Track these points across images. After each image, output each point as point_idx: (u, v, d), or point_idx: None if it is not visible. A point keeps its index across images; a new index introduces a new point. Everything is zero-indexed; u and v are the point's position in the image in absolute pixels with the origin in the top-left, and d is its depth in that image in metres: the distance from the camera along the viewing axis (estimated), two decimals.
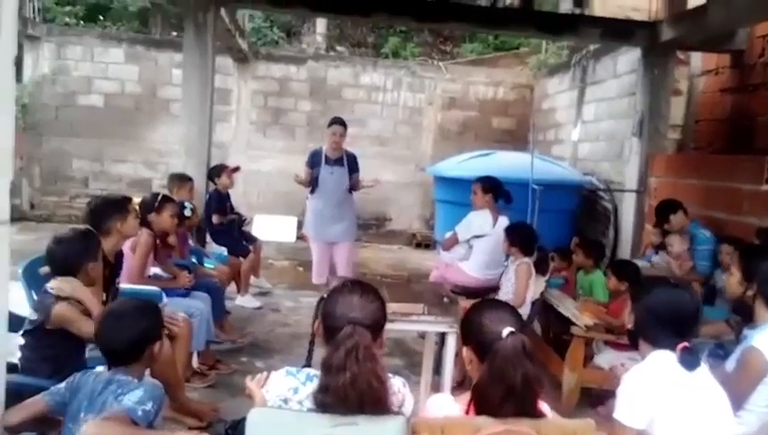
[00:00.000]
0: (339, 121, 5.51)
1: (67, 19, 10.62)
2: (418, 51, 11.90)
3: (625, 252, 6.36)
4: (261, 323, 5.25)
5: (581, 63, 8.37)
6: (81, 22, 10.79)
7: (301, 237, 9.52)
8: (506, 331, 1.59)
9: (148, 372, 2.30)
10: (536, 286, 4.11)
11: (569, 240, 6.06)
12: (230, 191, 6.16)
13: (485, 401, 1.58)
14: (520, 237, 4.10)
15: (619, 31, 6.43)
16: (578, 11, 9.06)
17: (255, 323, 5.24)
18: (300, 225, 9.62)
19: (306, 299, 6.08)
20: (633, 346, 2.17)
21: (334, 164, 5.44)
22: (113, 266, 3.11)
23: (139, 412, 1.83)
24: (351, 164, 5.53)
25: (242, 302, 5.61)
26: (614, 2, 8.84)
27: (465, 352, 1.72)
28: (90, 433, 1.71)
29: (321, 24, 11.62)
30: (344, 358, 1.55)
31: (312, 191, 5.55)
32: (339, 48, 11.83)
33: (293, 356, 4.48)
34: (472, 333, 1.70)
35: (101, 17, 11.13)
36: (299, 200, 9.89)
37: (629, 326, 2.08)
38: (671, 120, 6.34)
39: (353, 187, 5.55)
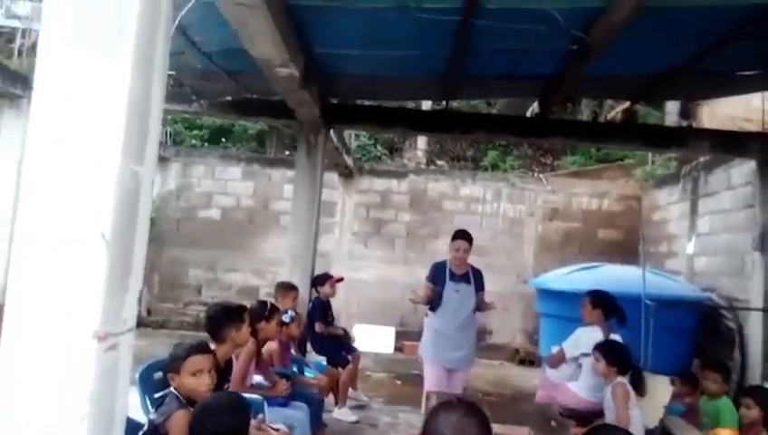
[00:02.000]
0: (463, 236, 4.94)
1: (194, 141, 11.78)
2: (518, 163, 12.03)
3: (754, 376, 5.75)
4: None
5: (692, 174, 8.08)
6: (206, 144, 11.91)
7: (399, 349, 9.45)
8: None
9: None
10: (653, 412, 3.77)
11: (687, 362, 5.60)
12: (331, 300, 6.30)
13: None
14: (616, 357, 3.85)
15: (730, 143, 6.23)
16: (685, 123, 8.92)
17: None
18: (397, 335, 9.64)
19: (404, 415, 5.91)
20: None
21: (460, 281, 4.90)
22: (223, 373, 3.21)
23: None
24: (478, 281, 4.97)
25: (339, 415, 5.53)
26: (724, 113, 8.64)
27: None
28: None
29: (421, 140, 12.14)
30: None
31: (433, 308, 4.96)
32: (439, 162, 12.21)
33: None
34: None
35: (224, 139, 12.25)
36: (397, 310, 9.98)
37: None
38: None
39: (479, 307, 4.98)
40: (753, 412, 3.51)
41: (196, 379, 2.61)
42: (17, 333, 1.67)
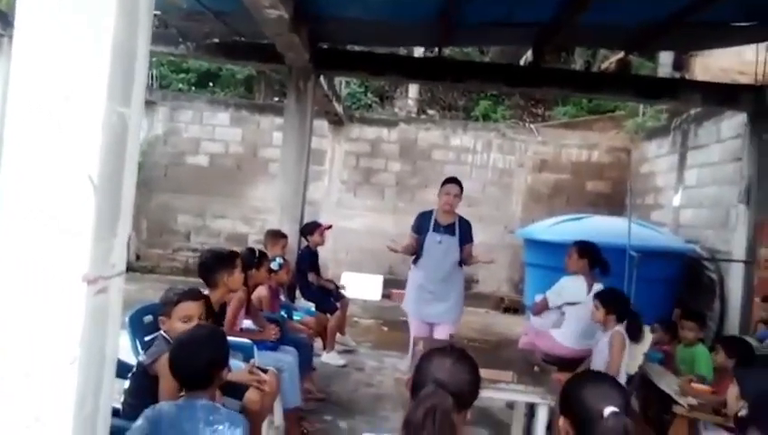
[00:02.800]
0: (454, 180, 4.65)
1: (180, 85, 11.56)
2: (509, 113, 11.96)
3: (732, 326, 5.91)
4: (345, 382, 5.24)
5: (682, 127, 8.08)
6: (193, 88, 11.70)
7: (386, 296, 9.59)
8: (608, 410, 1.50)
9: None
10: (632, 358, 3.87)
11: (669, 311, 5.73)
12: (319, 249, 6.35)
13: None
14: (616, 305, 3.86)
15: (722, 95, 6.21)
16: (677, 75, 8.87)
17: (340, 381, 5.25)
18: (385, 283, 9.76)
19: (390, 359, 6.06)
20: (741, 431, 1.99)
21: (444, 232, 4.61)
22: (217, 317, 3.25)
23: None
24: (464, 233, 4.65)
25: (327, 359, 5.65)
26: (717, 65, 8.59)
27: (562, 422, 1.64)
28: None
29: (413, 89, 11.99)
30: (422, 418, 1.50)
31: (415, 261, 4.76)
32: (430, 111, 12.11)
33: (377, 418, 4.45)
34: (570, 405, 1.62)
35: (211, 84, 12.03)
36: (386, 259, 10.06)
37: (740, 412, 1.91)
38: None
39: (464, 260, 4.67)
40: (721, 358, 3.64)
41: (185, 324, 2.63)
42: (6, 277, 1.67)
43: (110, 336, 1.87)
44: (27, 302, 1.66)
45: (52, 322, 1.66)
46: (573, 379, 1.72)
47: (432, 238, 4.61)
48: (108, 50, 1.67)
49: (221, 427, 2.00)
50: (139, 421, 2.05)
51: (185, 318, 2.66)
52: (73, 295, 1.67)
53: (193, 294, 2.78)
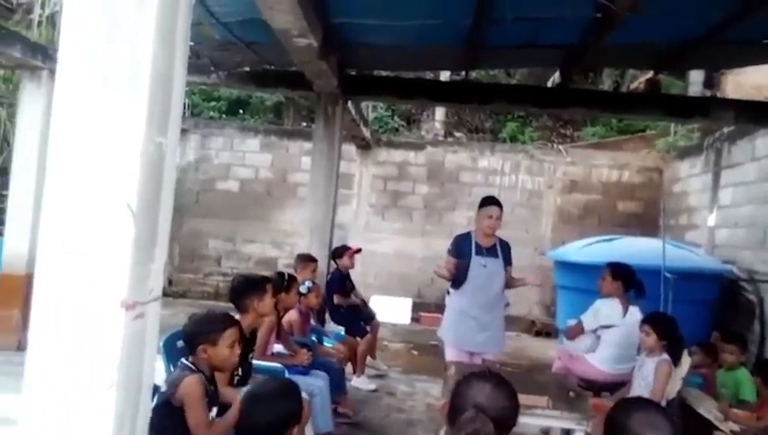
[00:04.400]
0: (495, 201, 4.44)
1: (211, 113, 11.80)
2: (537, 135, 11.90)
3: None
4: (376, 407, 5.20)
5: (715, 146, 7.94)
6: (224, 115, 11.93)
7: (416, 319, 9.53)
8: None
9: None
10: (672, 384, 3.77)
11: (707, 334, 5.58)
12: (349, 271, 6.36)
13: None
14: (669, 331, 3.74)
15: (755, 113, 6.10)
16: (708, 93, 8.75)
17: (371, 405, 5.21)
18: (414, 307, 9.71)
19: (421, 384, 6.00)
20: None
21: (488, 254, 4.40)
22: (248, 342, 3.27)
23: None
24: (506, 255, 4.50)
25: (358, 383, 5.62)
26: (749, 83, 8.46)
27: None
28: None
29: (439, 111, 12.04)
30: None
31: (457, 286, 4.48)
32: (457, 134, 12.13)
33: None
34: (616, 434, 1.58)
35: (241, 111, 12.26)
36: (414, 282, 10.04)
37: None
38: None
39: (509, 283, 4.52)
40: (762, 388, 3.51)
41: (232, 350, 2.59)
42: (46, 303, 1.71)
43: (147, 361, 1.89)
44: (66, 327, 1.70)
45: (90, 347, 1.69)
46: (620, 406, 1.67)
47: (477, 262, 4.37)
48: (146, 80, 1.72)
49: None
50: None
51: (232, 344, 2.60)
52: (112, 321, 1.69)
53: (234, 319, 2.74)
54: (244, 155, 10.43)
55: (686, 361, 3.85)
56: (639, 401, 1.81)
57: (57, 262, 1.71)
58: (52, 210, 1.73)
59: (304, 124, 11.57)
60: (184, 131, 10.20)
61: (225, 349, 2.57)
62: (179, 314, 2.74)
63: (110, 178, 1.70)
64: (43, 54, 6.03)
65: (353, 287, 6.32)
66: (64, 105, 1.74)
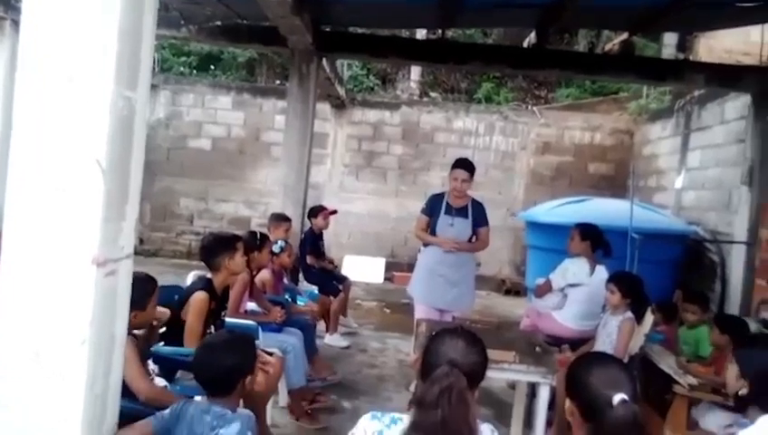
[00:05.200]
0: (462, 164, 4.53)
1: (182, 69, 11.51)
2: (512, 96, 11.90)
3: (733, 308, 5.94)
4: (348, 363, 5.30)
5: (686, 109, 8.05)
6: (195, 71, 11.65)
7: (389, 279, 9.64)
8: (617, 398, 1.49)
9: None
10: (635, 340, 3.91)
11: (670, 293, 5.77)
12: (323, 232, 6.39)
13: None
14: (634, 290, 3.85)
15: (726, 76, 6.18)
16: (682, 56, 8.81)
17: (343, 362, 5.30)
18: (387, 266, 9.80)
19: (392, 341, 6.11)
20: (739, 409, 2.01)
21: (456, 214, 4.52)
22: (220, 300, 3.29)
23: None
24: (478, 216, 4.57)
25: (330, 341, 5.70)
26: (721, 47, 8.52)
27: (568, 404, 1.65)
28: None
29: (415, 71, 11.93)
30: (437, 397, 1.53)
31: (426, 244, 4.69)
32: (432, 94, 12.06)
33: (380, 398, 4.50)
34: (578, 389, 1.61)
35: (213, 67, 11.97)
36: (388, 242, 10.11)
37: (741, 390, 1.93)
38: None
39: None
40: (716, 336, 3.70)
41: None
42: (17, 260, 1.70)
43: (119, 318, 1.90)
44: (38, 284, 1.69)
45: (62, 303, 1.69)
46: (581, 362, 1.71)
47: (444, 221, 4.49)
48: (114, 32, 1.68)
49: (222, 430, 1.95)
50: (166, 412, 2.05)
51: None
52: (83, 278, 1.70)
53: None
54: (216, 112, 10.25)
55: (648, 318, 3.98)
56: (600, 357, 1.85)
57: (26, 219, 1.70)
58: (18, 167, 1.70)
59: (278, 82, 11.37)
60: (154, 87, 9.96)
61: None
62: (151, 272, 2.72)
63: (79, 134, 1.68)
64: (5, 4, 5.79)
65: (323, 251, 6.35)
66: (29, 59, 1.69)
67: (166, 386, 2.68)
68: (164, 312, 2.87)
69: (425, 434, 1.53)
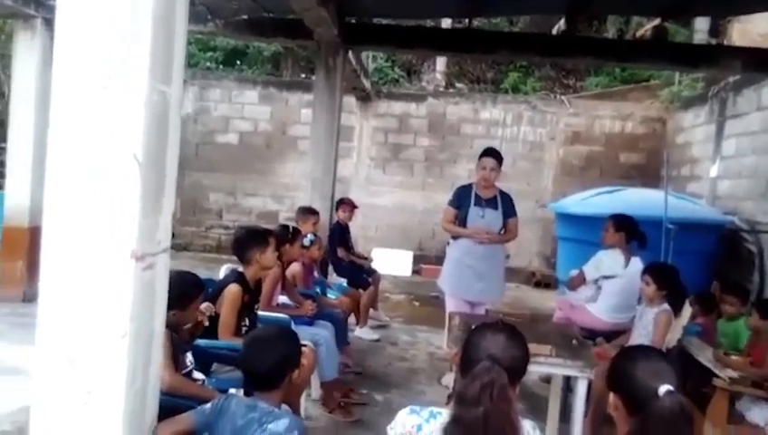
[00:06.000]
0: (490, 153, 4.48)
1: (209, 64, 11.60)
2: (540, 85, 11.74)
3: None
4: (379, 356, 5.30)
5: (720, 96, 7.84)
6: (221, 66, 11.73)
7: (417, 271, 9.60)
8: (663, 389, 1.47)
9: None
10: (672, 333, 3.82)
11: (707, 285, 5.63)
12: (350, 224, 6.40)
13: None
14: (669, 281, 3.76)
15: (762, 60, 5.99)
16: (714, 41, 8.58)
17: (374, 355, 5.30)
18: (415, 259, 9.77)
19: (422, 334, 6.10)
20: None
21: (486, 205, 4.47)
22: (253, 294, 3.30)
23: None
24: (507, 207, 4.54)
25: (361, 333, 5.71)
26: (756, 31, 8.28)
27: (612, 398, 1.63)
28: None
29: (440, 62, 11.83)
30: (479, 392, 1.51)
31: (455, 237, 4.63)
32: (458, 85, 11.95)
33: (412, 392, 4.49)
34: (621, 382, 1.60)
35: (239, 62, 12.04)
36: (415, 235, 10.07)
37: None
38: None
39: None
40: (755, 320, 3.59)
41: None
42: (57, 256, 1.71)
43: (157, 311, 1.91)
44: (77, 279, 1.70)
45: (102, 298, 1.70)
46: (624, 355, 1.69)
47: (475, 212, 4.44)
48: (148, 27, 1.67)
49: (271, 425, 1.91)
50: (208, 406, 2.04)
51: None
52: (122, 272, 1.70)
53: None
54: (243, 107, 10.31)
55: (686, 310, 3.89)
56: (643, 349, 1.82)
57: (65, 215, 1.70)
58: (57, 163, 1.70)
59: (303, 76, 11.38)
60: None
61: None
62: (182, 266, 2.76)
63: (116, 129, 1.68)
64: (35, 3, 5.87)
65: (352, 244, 6.37)
66: (65, 55, 1.69)
67: (203, 380, 2.69)
68: (208, 307, 2.88)
69: (466, 430, 1.51)
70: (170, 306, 2.52)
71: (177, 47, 1.86)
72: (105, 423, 1.71)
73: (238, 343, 2.60)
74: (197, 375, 2.66)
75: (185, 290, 2.60)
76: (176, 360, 2.50)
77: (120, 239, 1.69)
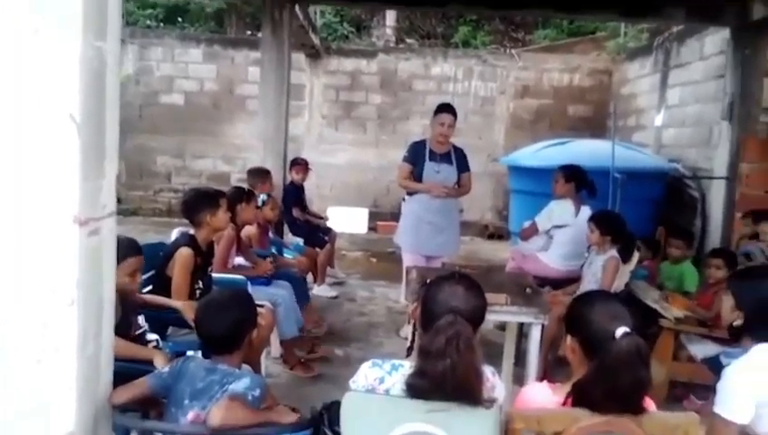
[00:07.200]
0: (447, 108, 4.49)
1: (148, 22, 11.10)
2: (489, 39, 11.71)
3: (713, 243, 6.03)
4: (338, 313, 5.33)
5: (664, 46, 7.98)
6: (161, 24, 11.24)
7: (372, 228, 9.63)
8: (620, 331, 1.52)
9: None
10: (620, 278, 3.97)
11: (653, 230, 5.84)
12: (304, 184, 6.33)
13: (587, 397, 1.54)
14: (613, 227, 3.90)
15: (705, 10, 6.09)
16: None
17: (332, 311, 5.33)
18: (371, 216, 9.78)
19: (380, 289, 6.16)
20: (734, 340, 2.06)
21: (441, 160, 4.50)
22: (205, 256, 3.25)
23: (250, 397, 1.89)
24: (461, 161, 4.59)
25: (319, 291, 5.72)
26: None
27: (569, 341, 1.68)
28: (217, 416, 1.77)
29: (390, 16, 11.64)
30: (444, 345, 1.53)
31: (411, 193, 4.64)
32: (408, 40, 11.81)
33: (371, 344, 4.56)
34: (578, 325, 1.65)
35: (180, 19, 11.56)
36: (370, 192, 10.06)
37: (735, 321, 1.96)
38: (764, 102, 5.94)
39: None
40: (721, 272, 3.72)
41: (132, 280, 2.56)
42: None
43: (105, 277, 1.85)
44: (20, 246, 1.63)
45: (47, 265, 1.64)
46: (580, 300, 1.74)
47: (430, 168, 4.48)
48: None
49: (231, 386, 1.91)
50: (165, 369, 2.03)
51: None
52: (66, 238, 1.64)
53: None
54: (187, 66, 9.94)
55: (634, 256, 4.03)
56: (601, 294, 1.89)
57: (2, 181, 1.61)
58: None
59: (249, 33, 11.03)
60: (120, 42, 9.60)
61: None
62: (131, 231, 2.68)
63: (50, 88, 1.59)
64: None
65: (306, 204, 6.33)
66: None
67: (157, 340, 2.65)
68: None
69: (432, 382, 1.54)
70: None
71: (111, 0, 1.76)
72: (58, 391, 1.67)
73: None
74: (151, 337, 2.62)
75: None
76: (125, 322, 2.45)
77: (62, 204, 1.62)
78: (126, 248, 2.52)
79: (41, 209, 1.62)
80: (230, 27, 11.49)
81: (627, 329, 1.52)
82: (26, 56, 1.58)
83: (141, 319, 2.65)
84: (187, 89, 9.98)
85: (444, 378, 1.52)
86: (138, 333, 2.59)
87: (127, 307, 2.50)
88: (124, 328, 2.44)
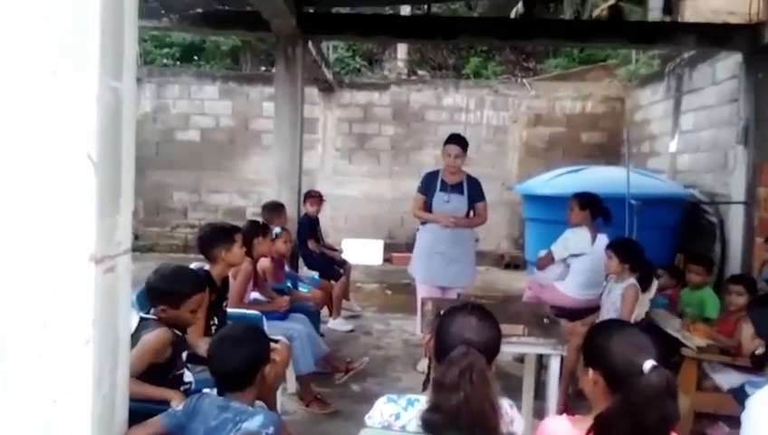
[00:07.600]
0: (455, 140, 4.53)
1: (165, 60, 11.34)
2: (501, 69, 11.80)
3: (734, 269, 5.94)
4: (354, 346, 5.28)
5: (676, 72, 7.99)
6: (178, 62, 11.48)
7: (388, 260, 9.61)
8: (648, 364, 1.45)
9: None
10: (640, 307, 3.90)
11: (671, 257, 5.76)
12: (319, 216, 6.35)
13: (611, 433, 1.47)
14: (631, 255, 3.84)
15: (716, 36, 6.12)
16: (668, 19, 8.73)
17: (348, 345, 5.29)
18: (385, 247, 9.76)
19: (396, 322, 6.11)
20: (757, 369, 2.00)
21: (452, 191, 4.54)
22: (220, 292, 3.25)
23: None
24: (474, 191, 4.59)
25: (334, 325, 5.69)
26: (707, 7, 8.44)
27: (591, 374, 1.61)
28: None
29: (402, 49, 11.80)
30: (458, 377, 1.50)
31: (424, 222, 4.71)
32: (420, 72, 11.94)
33: (388, 379, 4.50)
34: (600, 359, 1.58)
35: (196, 57, 11.81)
36: (385, 223, 10.07)
37: (757, 350, 1.91)
38: None
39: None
40: (742, 299, 3.64)
41: (193, 315, 2.54)
42: (13, 263, 1.64)
43: (121, 315, 1.85)
44: (36, 285, 1.64)
45: (62, 303, 1.64)
46: (598, 330, 1.68)
47: (440, 198, 4.53)
48: (96, 20, 1.61)
49: (245, 424, 1.88)
50: (179, 408, 2.00)
51: (194, 310, 2.54)
52: (82, 276, 1.64)
53: (200, 285, 2.63)
54: (203, 103, 10.13)
55: (653, 284, 3.97)
56: (618, 324, 1.83)
57: (19, 219, 1.63)
58: (6, 164, 1.63)
59: (263, 69, 11.22)
60: (138, 81, 9.69)
61: (186, 313, 2.49)
62: (149, 268, 2.67)
63: (67, 128, 1.61)
64: None
65: (321, 236, 6.34)
66: (4, 49, 1.62)
67: (192, 383, 2.58)
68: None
69: (446, 415, 1.51)
70: (160, 301, 2.46)
71: (128, 40, 1.80)
72: (73, 431, 1.66)
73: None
74: (187, 378, 2.58)
75: (177, 282, 2.47)
76: (171, 361, 2.43)
77: (78, 242, 1.63)
78: (193, 284, 2.50)
79: (57, 248, 1.63)
80: (245, 64, 11.70)
81: (654, 362, 1.46)
82: (44, 97, 1.61)
83: (185, 355, 2.60)
84: (203, 125, 10.14)
85: (458, 411, 1.49)
86: (178, 373, 2.51)
87: (179, 345, 2.47)
88: (168, 367, 2.42)
